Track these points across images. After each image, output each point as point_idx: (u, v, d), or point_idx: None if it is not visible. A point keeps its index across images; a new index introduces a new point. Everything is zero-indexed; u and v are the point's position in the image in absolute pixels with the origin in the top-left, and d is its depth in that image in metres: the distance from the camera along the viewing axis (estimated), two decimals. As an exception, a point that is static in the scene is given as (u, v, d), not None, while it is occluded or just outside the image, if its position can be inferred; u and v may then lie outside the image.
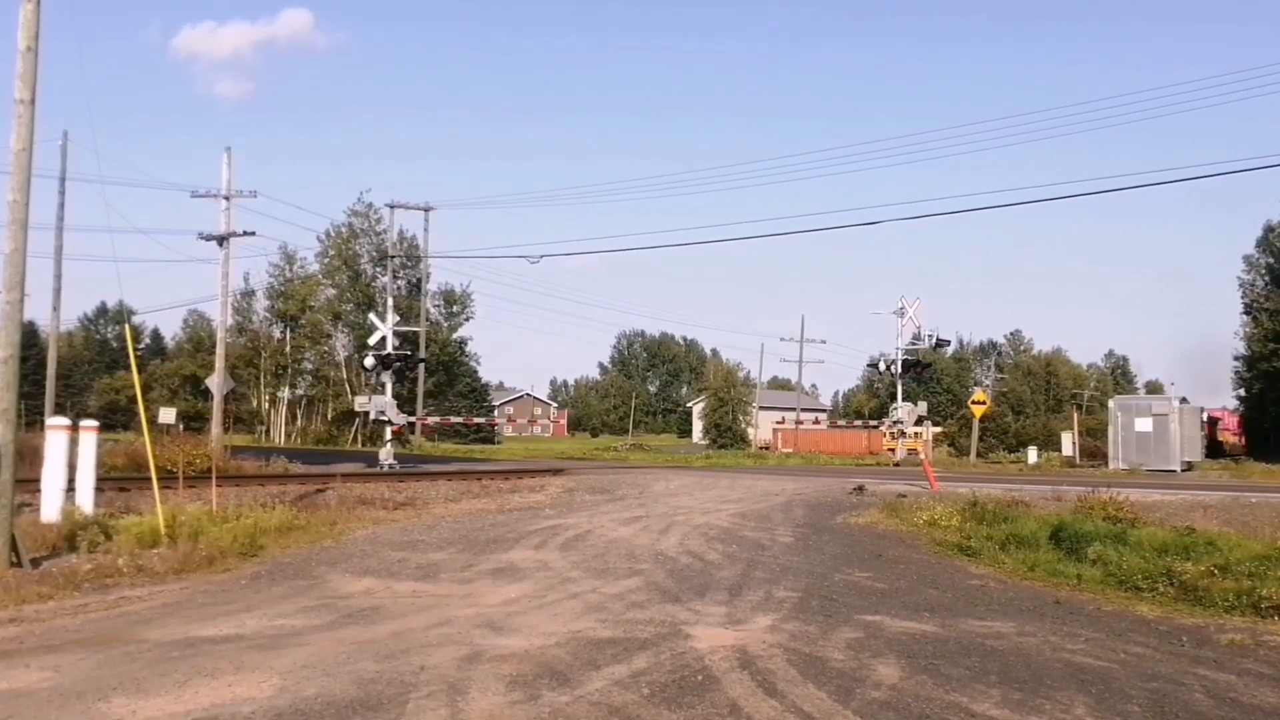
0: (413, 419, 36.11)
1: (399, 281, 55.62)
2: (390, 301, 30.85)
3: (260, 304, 65.09)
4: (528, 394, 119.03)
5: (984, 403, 35.37)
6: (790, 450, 50.22)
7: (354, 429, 55.46)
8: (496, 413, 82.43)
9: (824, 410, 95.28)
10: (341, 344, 62.72)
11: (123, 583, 8.06)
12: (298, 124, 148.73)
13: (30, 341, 40.93)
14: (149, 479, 10.57)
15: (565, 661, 5.52)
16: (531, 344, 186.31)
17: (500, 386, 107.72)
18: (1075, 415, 46.52)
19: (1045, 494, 14.81)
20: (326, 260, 62.72)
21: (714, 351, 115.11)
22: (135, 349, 14.11)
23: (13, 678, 5.15)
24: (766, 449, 54.33)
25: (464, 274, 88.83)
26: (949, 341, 46.70)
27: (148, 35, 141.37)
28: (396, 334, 26.41)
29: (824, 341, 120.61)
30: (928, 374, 45.84)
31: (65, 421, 11.35)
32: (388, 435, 25.48)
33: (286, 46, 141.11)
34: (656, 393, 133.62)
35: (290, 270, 64.13)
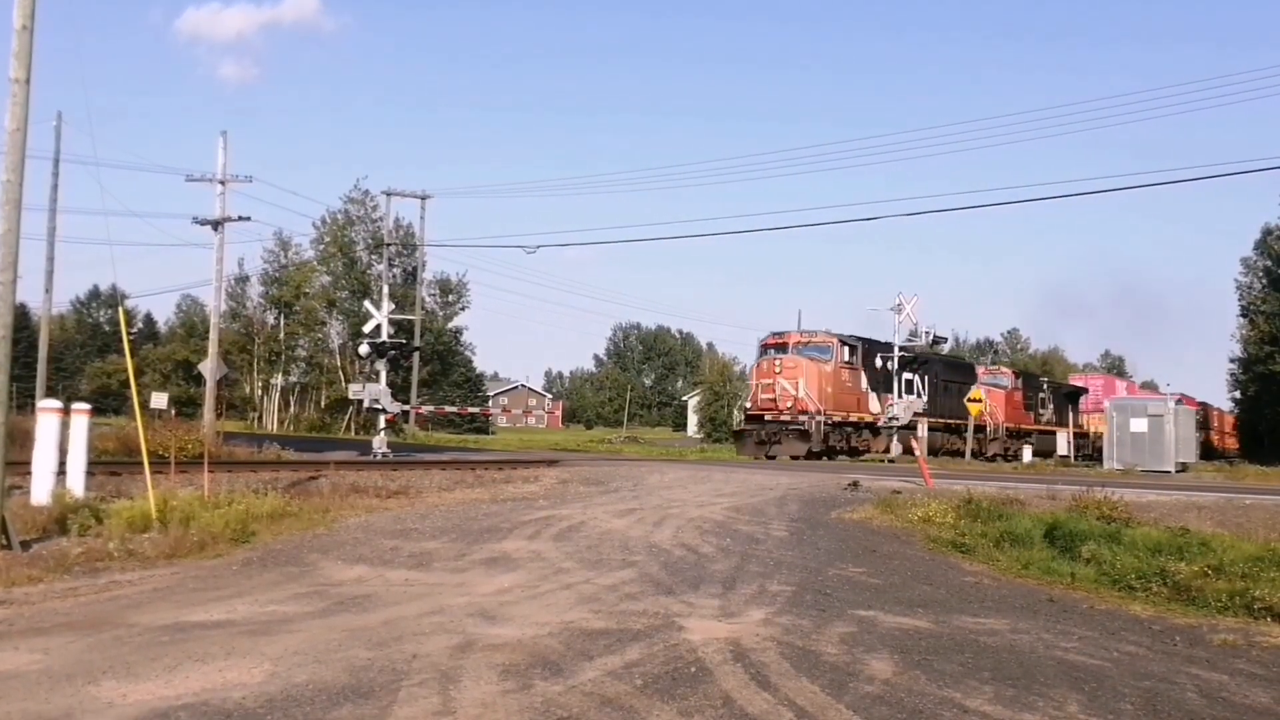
0: (407, 408, 36.03)
1: (394, 270, 55.48)
2: (385, 289, 30.73)
3: (254, 290, 64.90)
4: (523, 385, 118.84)
5: (980, 400, 35.36)
6: (785, 445, 50.29)
7: (347, 417, 55.36)
8: (491, 403, 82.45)
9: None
10: (336, 331, 62.62)
11: (113, 566, 8.02)
12: (299, 109, 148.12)
13: (22, 324, 40.77)
14: (141, 463, 10.51)
15: (558, 651, 5.50)
16: (527, 335, 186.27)
17: (495, 377, 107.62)
18: (1071, 414, 46.64)
19: (1040, 492, 14.82)
20: (322, 247, 62.57)
21: (710, 345, 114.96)
22: (128, 333, 14.03)
23: (2, 659, 5.11)
24: (761, 443, 54.20)
25: (460, 263, 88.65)
26: (946, 339, 46.66)
27: (150, 17, 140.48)
28: (392, 322, 26.32)
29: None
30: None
31: (57, 404, 11.27)
32: (381, 424, 25.42)
33: (291, 29, 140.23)
34: (652, 385, 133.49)
35: (285, 256, 63.98)
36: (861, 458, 30.46)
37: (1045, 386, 45.56)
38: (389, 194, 46.18)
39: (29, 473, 10.70)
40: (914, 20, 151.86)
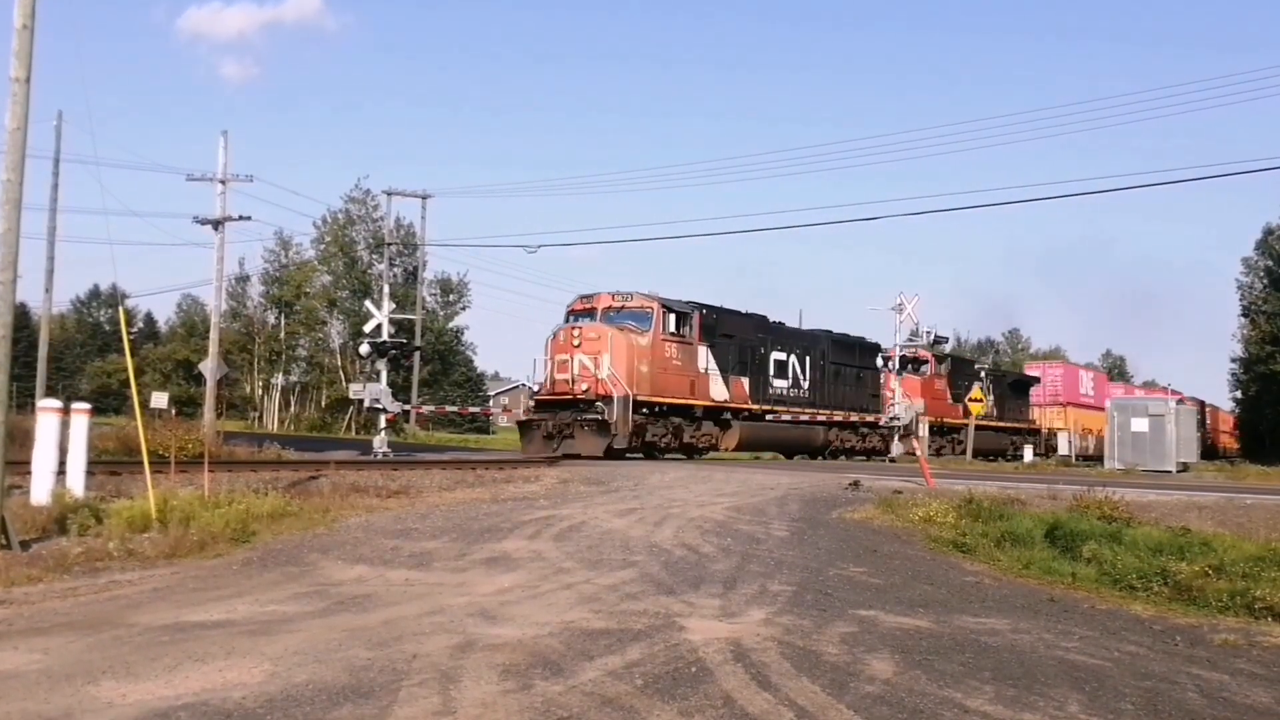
0: (407, 407, 36.01)
1: (395, 269, 55.61)
2: (386, 289, 30.76)
3: (255, 289, 65.06)
4: (524, 384, 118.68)
5: (981, 400, 35.33)
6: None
7: (348, 416, 55.45)
8: (492, 402, 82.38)
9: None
10: (336, 331, 62.76)
11: (113, 566, 8.01)
12: (300, 108, 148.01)
13: (22, 323, 40.83)
14: (140, 463, 10.51)
15: (558, 651, 5.49)
16: (528, 335, 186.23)
17: (496, 376, 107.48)
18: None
19: (1041, 492, 14.81)
20: (322, 246, 62.67)
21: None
22: (128, 332, 14.03)
23: (1, 659, 5.11)
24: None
25: (461, 263, 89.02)
26: (946, 339, 46.43)
27: (151, 16, 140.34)
28: (392, 322, 26.31)
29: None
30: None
31: (57, 404, 11.27)
32: (382, 423, 25.41)
33: (293, 29, 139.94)
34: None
35: (285, 256, 64.11)
36: (705, 456, 25.49)
37: (983, 375, 40.88)
38: (390, 194, 46.31)
39: (29, 472, 10.70)
40: (912, 19, 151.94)
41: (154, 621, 6.07)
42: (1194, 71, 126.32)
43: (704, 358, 24.61)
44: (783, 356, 27.95)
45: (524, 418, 23.50)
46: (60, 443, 10.84)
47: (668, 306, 23.69)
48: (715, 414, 25.17)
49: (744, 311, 27.20)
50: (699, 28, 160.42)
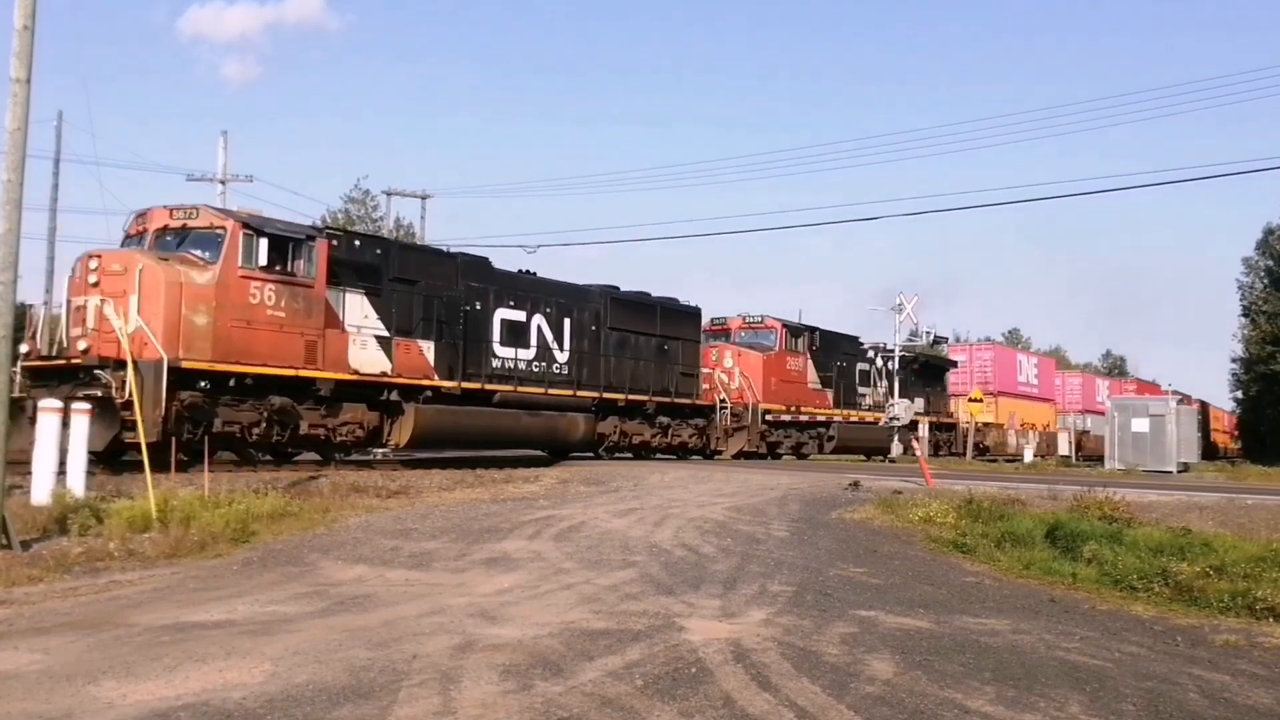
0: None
1: (396, 270, 55.43)
2: (387, 289, 30.68)
3: (256, 290, 64.95)
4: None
5: (981, 400, 35.34)
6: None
7: (349, 417, 55.31)
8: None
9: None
10: (337, 331, 62.65)
11: (113, 566, 8.02)
12: (300, 108, 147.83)
13: (21, 324, 40.68)
14: (141, 463, 10.51)
15: (558, 652, 5.49)
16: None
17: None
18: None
19: (1041, 492, 14.81)
20: (323, 247, 62.62)
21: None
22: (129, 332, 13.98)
23: (2, 659, 5.11)
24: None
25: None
26: (946, 338, 46.36)
27: (152, 16, 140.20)
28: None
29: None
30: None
31: (57, 404, 11.27)
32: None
33: (295, 29, 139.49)
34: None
35: (287, 256, 64.04)
36: (368, 453, 18.92)
37: (873, 356, 32.82)
38: (389, 194, 46.25)
39: (29, 472, 10.70)
40: (911, 18, 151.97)
41: (154, 621, 6.07)
42: (1194, 70, 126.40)
43: (343, 308, 16.71)
44: (518, 316, 20.14)
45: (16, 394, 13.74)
46: (60, 443, 10.85)
47: (256, 228, 15.31)
48: (370, 393, 17.25)
49: (446, 250, 19.95)
50: (700, 27, 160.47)
